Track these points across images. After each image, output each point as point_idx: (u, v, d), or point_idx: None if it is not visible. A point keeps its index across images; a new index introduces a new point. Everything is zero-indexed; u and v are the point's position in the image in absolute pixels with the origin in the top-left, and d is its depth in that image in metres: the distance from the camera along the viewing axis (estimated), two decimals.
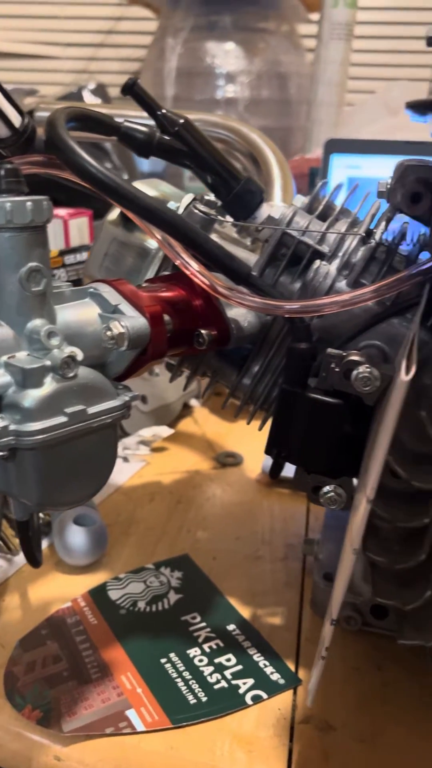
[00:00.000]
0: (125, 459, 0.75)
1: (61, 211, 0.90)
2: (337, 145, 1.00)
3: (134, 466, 0.74)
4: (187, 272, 0.41)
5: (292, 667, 0.47)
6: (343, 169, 0.99)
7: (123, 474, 0.72)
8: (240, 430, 0.84)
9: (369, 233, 0.44)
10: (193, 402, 0.89)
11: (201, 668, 0.46)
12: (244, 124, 0.62)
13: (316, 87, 1.27)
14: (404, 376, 0.28)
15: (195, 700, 0.44)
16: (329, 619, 0.34)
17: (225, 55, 1.32)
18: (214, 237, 0.49)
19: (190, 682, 0.45)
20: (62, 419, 0.34)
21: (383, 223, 0.45)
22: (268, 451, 0.45)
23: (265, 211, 0.47)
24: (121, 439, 0.77)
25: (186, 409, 0.88)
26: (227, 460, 0.77)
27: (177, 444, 0.80)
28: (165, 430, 0.79)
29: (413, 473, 0.36)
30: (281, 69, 1.34)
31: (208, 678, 0.46)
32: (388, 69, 1.57)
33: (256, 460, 0.76)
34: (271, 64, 1.33)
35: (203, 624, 0.51)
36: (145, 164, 1.30)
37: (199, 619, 0.51)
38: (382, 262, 0.45)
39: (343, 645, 0.49)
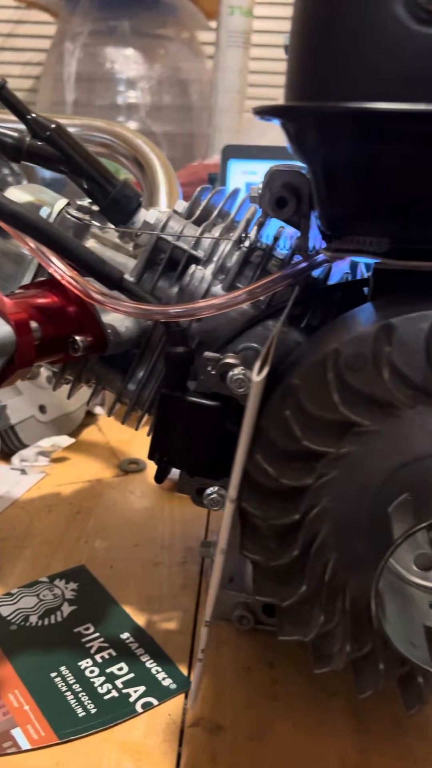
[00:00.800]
0: (23, 471, 0.73)
1: None
2: (234, 151, 1.01)
3: (33, 478, 0.72)
4: (59, 278, 0.40)
5: (185, 671, 0.47)
6: (240, 174, 1.01)
7: (20, 487, 0.70)
8: (145, 436, 0.83)
9: (242, 238, 0.45)
10: (98, 410, 0.88)
11: (92, 679, 0.46)
12: (128, 129, 0.62)
13: (217, 94, 1.29)
14: (255, 377, 0.29)
15: (84, 713, 0.43)
16: (204, 621, 0.34)
17: (125, 61, 1.32)
18: (92, 243, 0.49)
19: (80, 695, 0.44)
20: None
21: (255, 228, 0.45)
22: (150, 456, 0.45)
23: (142, 215, 0.47)
24: (18, 450, 0.75)
25: (90, 418, 0.87)
26: (130, 467, 0.76)
27: (79, 453, 0.79)
28: (65, 440, 0.77)
29: (283, 471, 0.37)
30: (182, 75, 1.35)
31: (99, 689, 0.45)
32: None
33: None
34: (172, 70, 1.34)
35: (96, 634, 0.50)
36: (46, 170, 1.28)
37: (92, 629, 0.51)
38: (256, 266, 0.46)
39: (236, 645, 0.50)
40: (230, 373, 0.40)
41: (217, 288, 0.45)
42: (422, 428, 0.37)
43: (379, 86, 0.27)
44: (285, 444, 0.37)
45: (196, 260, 0.45)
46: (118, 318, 0.44)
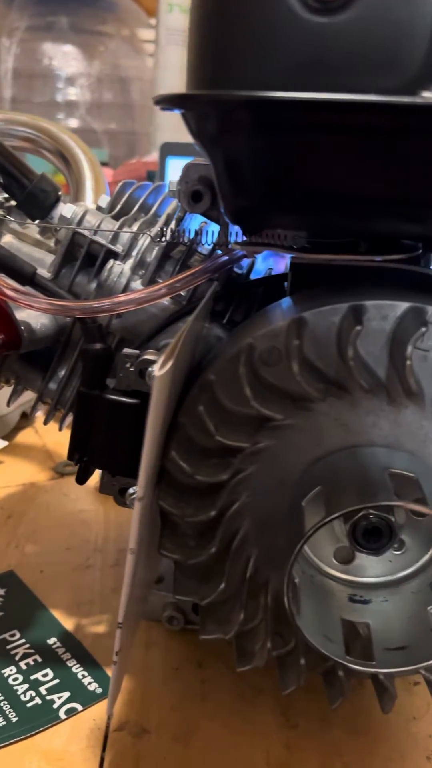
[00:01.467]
0: None
1: None
2: (171, 149, 1.01)
3: None
4: None
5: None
6: (179, 171, 1.00)
7: None
8: None
9: (161, 233, 0.44)
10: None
11: (15, 687, 0.44)
12: (54, 123, 0.61)
13: (157, 91, 1.28)
14: (157, 371, 0.28)
15: (4, 722, 0.42)
16: (118, 622, 0.34)
17: (63, 57, 1.30)
18: (9, 238, 0.47)
19: (1, 704, 0.43)
20: None
21: (174, 222, 0.45)
22: (70, 457, 0.44)
23: (60, 210, 0.46)
24: None
25: (25, 420, 0.85)
26: (66, 470, 0.75)
27: (13, 456, 0.77)
28: None
29: (198, 467, 0.37)
30: (122, 73, 1.34)
31: (22, 696, 0.44)
32: None
33: None
34: (112, 67, 1.32)
35: (22, 640, 0.49)
36: None
37: (18, 636, 0.49)
38: (177, 261, 0.45)
39: (166, 646, 0.49)
40: (149, 370, 0.39)
41: (137, 283, 0.44)
42: (336, 421, 0.37)
43: (275, 75, 0.27)
44: (201, 440, 0.37)
45: (114, 255, 0.44)
46: (34, 315, 0.43)
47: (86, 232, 0.44)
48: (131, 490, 0.43)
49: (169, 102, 0.29)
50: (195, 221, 0.48)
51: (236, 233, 0.44)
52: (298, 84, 0.27)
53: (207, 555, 0.37)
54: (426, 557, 0.38)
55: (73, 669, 0.46)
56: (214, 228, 0.45)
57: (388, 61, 0.25)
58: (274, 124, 0.27)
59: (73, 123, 1.29)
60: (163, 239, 0.44)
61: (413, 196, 0.30)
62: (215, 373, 0.37)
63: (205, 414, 0.36)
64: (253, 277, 0.48)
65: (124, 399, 0.41)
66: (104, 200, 0.50)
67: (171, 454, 0.36)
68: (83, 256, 0.44)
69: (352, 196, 0.29)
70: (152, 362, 0.39)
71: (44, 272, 0.44)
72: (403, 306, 0.35)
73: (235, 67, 0.28)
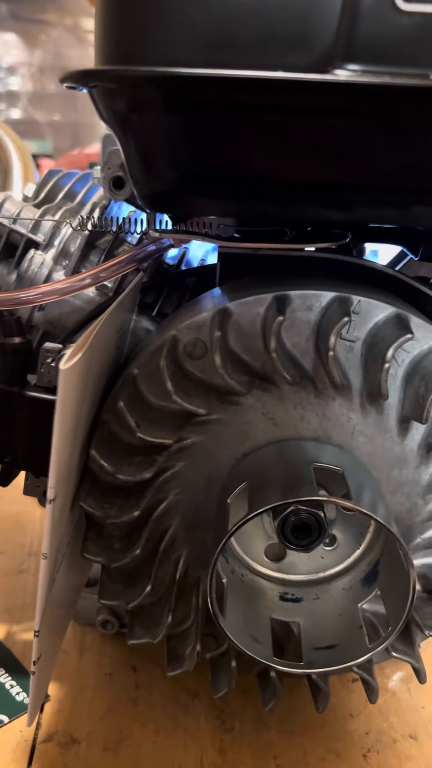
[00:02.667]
0: None
1: None
2: (114, 140, 0.98)
3: None
4: None
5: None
6: None
7: None
8: None
9: (83, 221, 0.42)
10: None
11: None
12: None
13: None
14: (63, 364, 0.27)
15: None
16: (35, 630, 0.32)
17: (4, 46, 1.26)
18: None
19: None
20: None
21: (99, 211, 0.43)
22: None
23: None
24: None
25: None
26: None
27: None
28: None
29: (120, 466, 0.35)
30: (66, 62, 1.31)
31: None
32: None
33: None
34: (55, 56, 1.29)
35: None
36: None
37: None
38: (103, 251, 0.43)
39: (100, 651, 0.47)
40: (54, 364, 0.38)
41: (59, 274, 0.42)
42: (263, 415, 0.36)
43: (184, 52, 0.26)
44: (123, 437, 0.35)
45: (35, 245, 0.42)
46: None
47: (5, 221, 0.42)
48: None
49: (73, 79, 0.28)
50: (125, 209, 0.46)
51: (166, 222, 0.43)
52: (207, 61, 0.26)
53: (132, 557, 0.36)
54: (357, 553, 0.37)
55: (1, 679, 0.44)
56: (144, 217, 0.43)
57: (297, 37, 0.24)
58: (179, 102, 0.26)
59: (15, 114, 1.25)
60: (86, 228, 0.42)
61: (333, 181, 0.29)
62: (138, 367, 0.35)
63: (127, 409, 0.34)
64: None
65: (45, 396, 0.39)
66: (31, 189, 0.48)
67: (91, 452, 0.35)
68: (2, 246, 0.42)
69: (267, 180, 0.28)
70: None
71: None
72: (328, 296, 0.34)
73: (142, 42, 0.26)
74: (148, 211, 0.37)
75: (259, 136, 0.27)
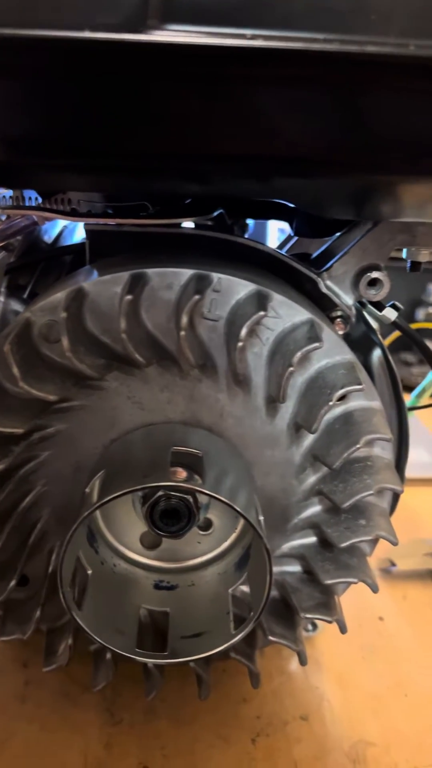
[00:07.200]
0: None
1: None
2: None
3: None
4: None
5: None
6: None
7: None
8: None
9: None
10: None
11: None
12: None
13: None
14: None
15: None
16: None
17: None
18: None
19: None
20: None
21: None
22: None
23: None
24: None
25: None
26: None
27: None
28: None
29: None
30: None
31: None
32: None
33: None
34: None
35: None
36: None
37: None
38: None
39: None
40: None
41: None
42: (129, 399, 0.34)
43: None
44: None
45: None
46: None
47: None
48: None
49: None
50: None
51: (35, 198, 0.40)
52: (20, 20, 0.24)
53: None
54: (233, 536, 0.36)
55: None
56: (11, 194, 0.41)
57: None
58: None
59: None
60: None
61: (173, 149, 0.27)
62: None
63: None
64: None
65: None
66: None
67: None
68: None
69: (91, 151, 0.26)
70: None
71: None
72: (187, 273, 0.32)
73: None
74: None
75: (75, 101, 0.25)
